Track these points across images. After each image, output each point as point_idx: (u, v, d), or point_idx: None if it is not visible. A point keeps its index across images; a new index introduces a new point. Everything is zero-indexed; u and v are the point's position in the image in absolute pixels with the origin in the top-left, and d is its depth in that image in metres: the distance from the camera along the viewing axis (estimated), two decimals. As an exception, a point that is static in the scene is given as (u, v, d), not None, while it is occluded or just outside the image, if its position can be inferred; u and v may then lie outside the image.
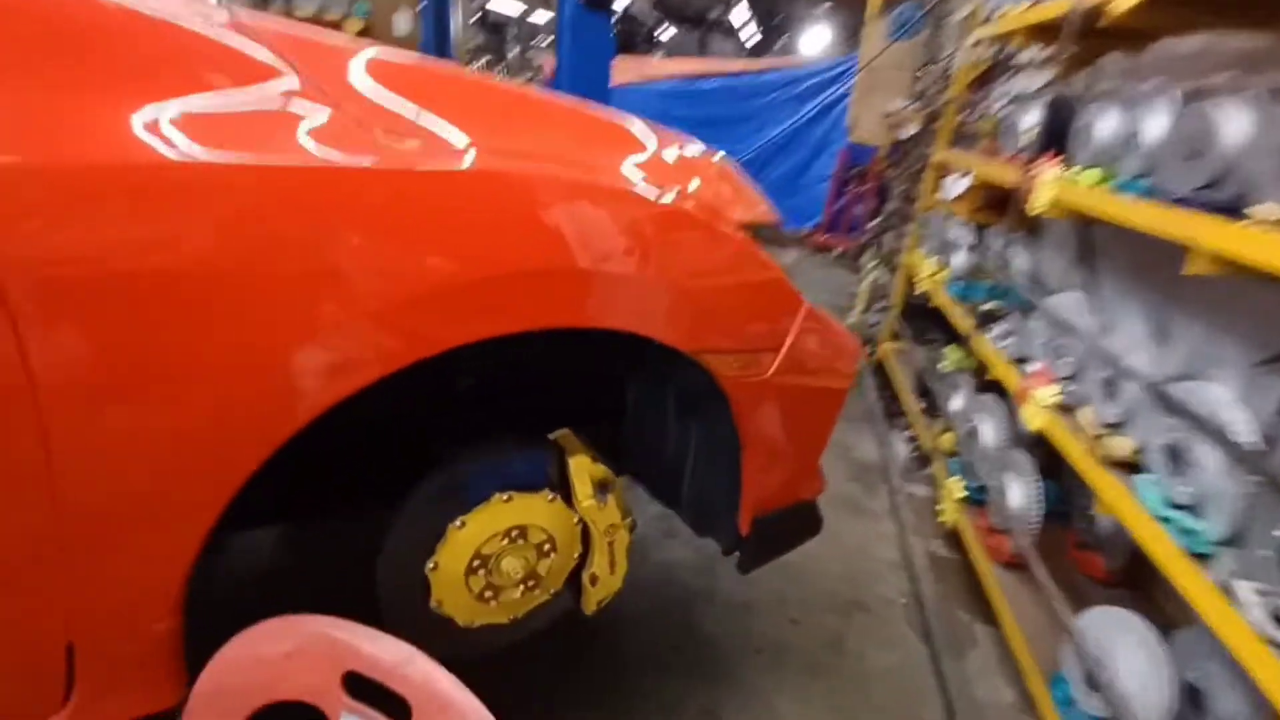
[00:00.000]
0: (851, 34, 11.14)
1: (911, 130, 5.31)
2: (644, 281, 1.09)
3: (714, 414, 1.37)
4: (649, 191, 1.11)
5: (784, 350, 1.26)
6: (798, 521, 1.56)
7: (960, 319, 2.81)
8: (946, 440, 2.88)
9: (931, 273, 3.28)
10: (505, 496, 1.22)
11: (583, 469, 1.24)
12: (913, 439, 3.22)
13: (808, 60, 10.30)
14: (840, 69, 7.51)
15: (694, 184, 1.19)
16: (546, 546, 1.30)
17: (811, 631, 2.14)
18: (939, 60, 4.85)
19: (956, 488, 2.61)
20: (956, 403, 2.88)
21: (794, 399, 1.33)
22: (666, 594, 2.18)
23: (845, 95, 7.01)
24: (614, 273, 1.05)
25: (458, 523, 1.19)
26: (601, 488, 1.25)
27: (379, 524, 1.18)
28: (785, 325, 1.27)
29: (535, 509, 1.26)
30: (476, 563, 1.22)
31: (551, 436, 1.31)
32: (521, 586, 1.30)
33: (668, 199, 1.12)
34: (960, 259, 3.10)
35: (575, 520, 1.31)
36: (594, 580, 1.33)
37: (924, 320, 3.79)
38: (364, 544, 1.18)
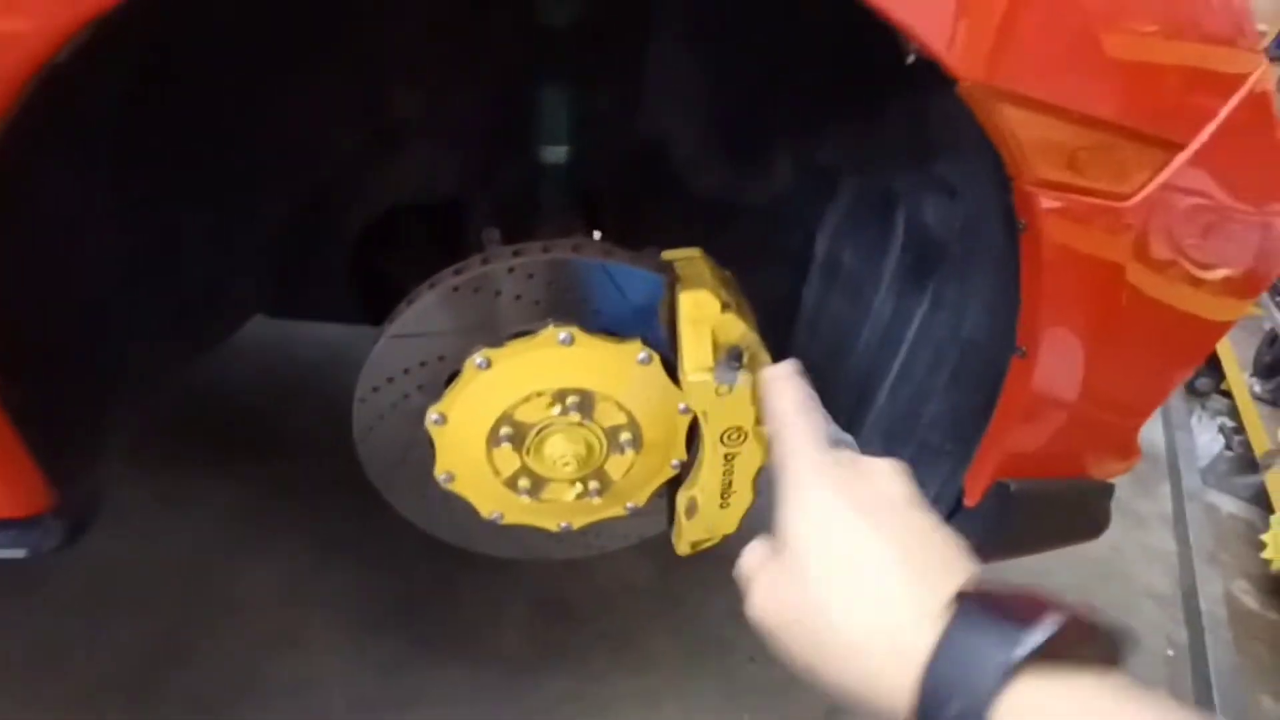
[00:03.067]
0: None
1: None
2: None
3: (974, 273, 0.75)
4: None
5: (1191, 150, 0.57)
6: (1069, 510, 0.89)
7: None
8: (1302, 445, 1.88)
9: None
10: (563, 333, 0.71)
11: (702, 315, 0.68)
12: (1234, 430, 2.21)
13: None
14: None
15: None
16: (624, 435, 0.79)
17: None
18: None
19: (1308, 518, 1.68)
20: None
21: (1160, 270, 0.64)
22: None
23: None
24: None
25: (478, 358, 0.71)
26: (733, 358, 0.70)
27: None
28: (1207, 95, 0.57)
29: (611, 367, 0.74)
30: (506, 430, 0.75)
31: (668, 256, 0.76)
32: (577, 486, 0.82)
33: None
34: None
35: (680, 406, 0.78)
36: (692, 509, 0.80)
37: None
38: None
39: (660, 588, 1.45)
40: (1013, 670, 0.30)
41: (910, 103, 0.77)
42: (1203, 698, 1.47)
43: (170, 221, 0.78)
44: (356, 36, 0.79)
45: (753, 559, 0.43)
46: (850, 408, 1.07)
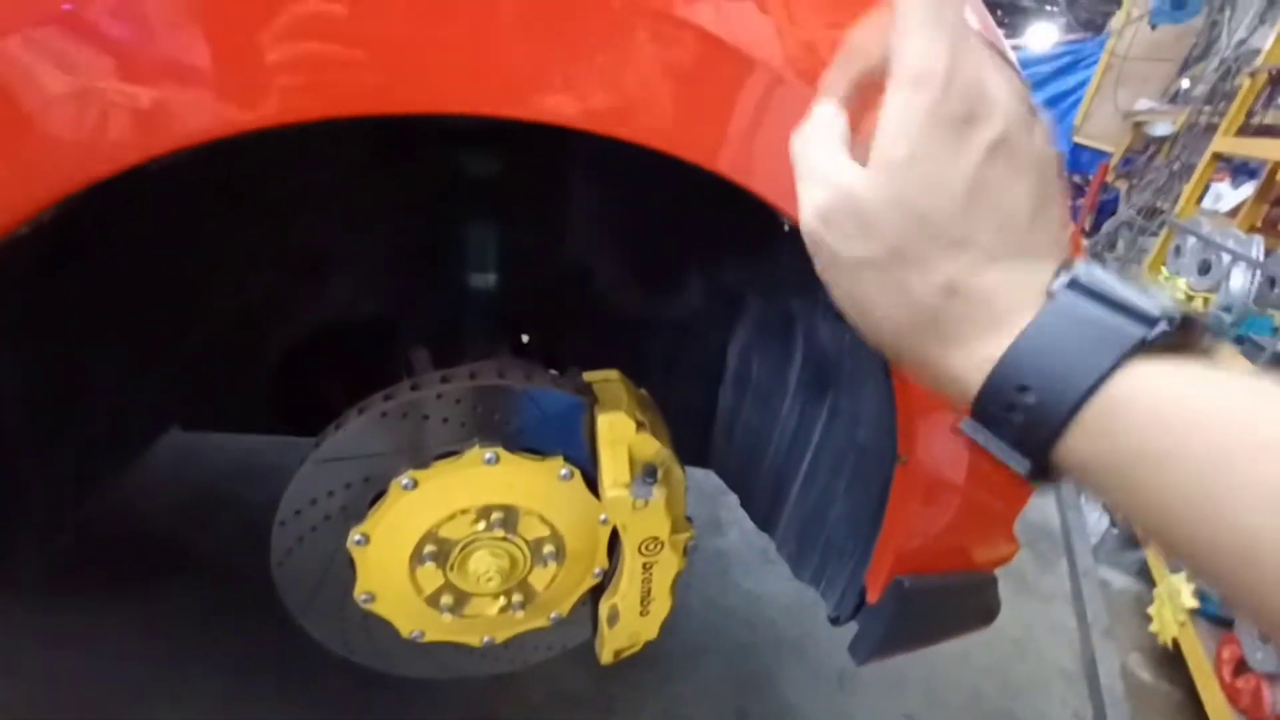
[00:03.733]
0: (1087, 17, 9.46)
1: (1164, 130, 4.29)
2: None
3: (864, 387, 0.84)
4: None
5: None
6: (962, 600, 0.97)
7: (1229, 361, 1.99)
8: (1173, 521, 2.07)
9: (1184, 297, 2.44)
10: (488, 453, 0.75)
11: (618, 436, 0.74)
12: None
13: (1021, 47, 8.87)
14: (1064, 59, 6.33)
15: None
16: (547, 547, 0.82)
17: (935, 743, 1.52)
18: (1219, 49, 3.84)
19: (1184, 592, 1.83)
20: (1200, 473, 2.06)
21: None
22: (743, 637, 1.65)
23: (1069, 93, 5.94)
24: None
25: (404, 479, 0.74)
26: (648, 474, 0.75)
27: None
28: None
29: (535, 484, 0.78)
30: (430, 548, 0.77)
31: (588, 378, 0.83)
32: (501, 600, 0.84)
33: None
34: (1239, 282, 2.23)
35: (601, 517, 0.83)
36: (614, 617, 0.83)
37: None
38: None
39: (591, 696, 1.43)
40: (1131, 353, 0.25)
41: (798, 241, 0.88)
42: (1110, 773, 1.54)
43: (76, 359, 0.78)
44: (270, 185, 0.82)
45: (830, 164, 0.34)
46: (766, 507, 1.13)
